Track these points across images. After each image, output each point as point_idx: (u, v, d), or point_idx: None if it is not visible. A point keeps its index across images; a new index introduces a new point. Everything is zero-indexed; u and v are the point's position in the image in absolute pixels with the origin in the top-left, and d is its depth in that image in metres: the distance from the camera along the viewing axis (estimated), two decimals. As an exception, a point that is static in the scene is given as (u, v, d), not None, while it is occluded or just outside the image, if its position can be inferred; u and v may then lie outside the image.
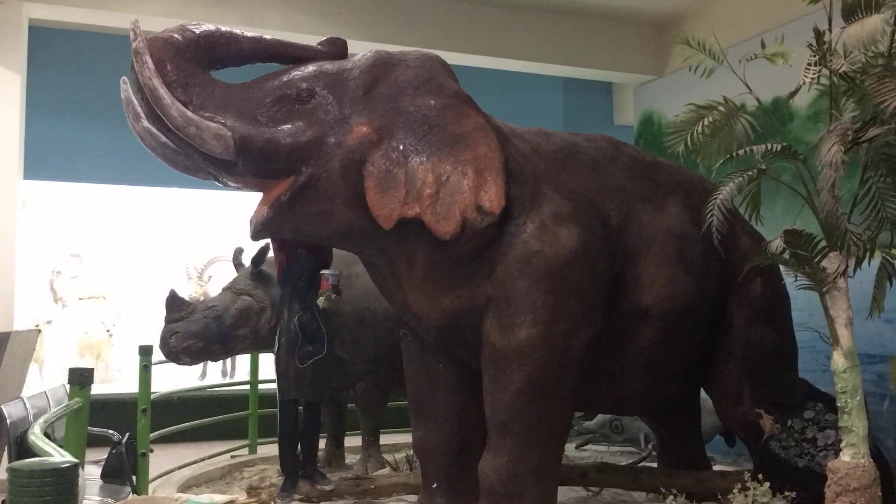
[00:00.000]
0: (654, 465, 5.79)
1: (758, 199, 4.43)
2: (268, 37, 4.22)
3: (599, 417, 7.22)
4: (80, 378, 4.01)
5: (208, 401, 8.00)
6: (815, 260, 3.95)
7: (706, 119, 4.28)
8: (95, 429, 4.66)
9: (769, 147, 4.19)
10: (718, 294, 4.74)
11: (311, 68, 4.12)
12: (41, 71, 8.30)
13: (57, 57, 8.85)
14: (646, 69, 9.08)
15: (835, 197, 3.87)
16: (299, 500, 5.25)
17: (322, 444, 6.68)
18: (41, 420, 3.50)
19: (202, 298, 8.70)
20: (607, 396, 4.77)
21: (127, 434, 5.15)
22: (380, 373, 6.08)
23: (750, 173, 4.24)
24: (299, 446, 5.49)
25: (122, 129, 4.14)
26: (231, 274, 6.12)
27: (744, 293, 4.77)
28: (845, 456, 3.82)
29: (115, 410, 6.93)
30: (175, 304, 5.54)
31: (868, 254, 3.97)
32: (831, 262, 3.93)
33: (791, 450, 4.23)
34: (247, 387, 7.12)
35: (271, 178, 3.99)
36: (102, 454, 5.06)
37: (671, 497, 4.44)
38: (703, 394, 5.35)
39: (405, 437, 6.03)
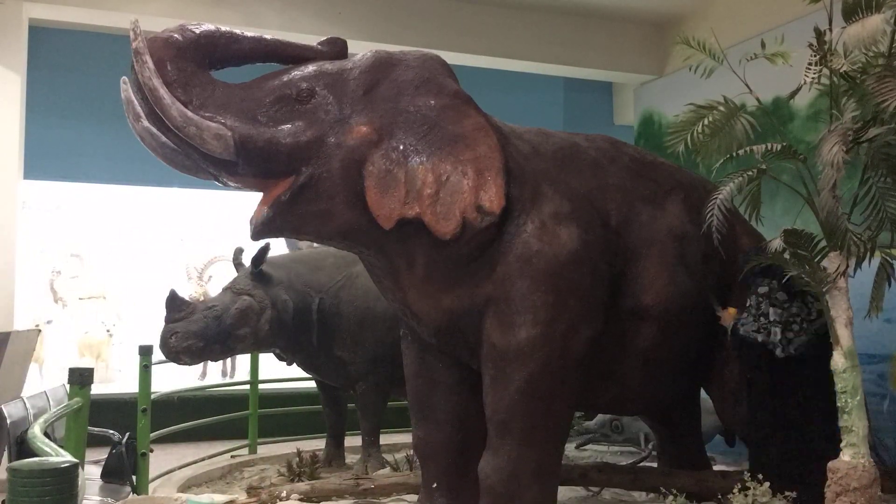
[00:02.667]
0: (654, 465, 5.78)
1: (758, 199, 4.42)
2: (268, 37, 4.20)
3: (599, 417, 7.21)
4: (80, 378, 4.02)
5: (208, 401, 8.00)
6: (815, 260, 3.95)
7: (706, 119, 4.27)
8: (95, 429, 4.67)
9: (769, 147, 4.18)
10: (718, 294, 4.73)
11: (311, 68, 4.11)
12: (41, 71, 8.29)
13: (57, 57, 8.84)
14: (646, 69, 9.08)
15: (835, 197, 3.86)
16: (299, 499, 5.24)
17: (322, 444, 6.71)
18: (41, 420, 3.51)
19: (202, 298, 8.72)
20: (607, 396, 4.77)
21: (127, 434, 5.15)
22: (380, 373, 6.08)
23: (750, 173, 4.23)
24: None
25: (122, 129, 4.13)
26: (231, 274, 6.11)
27: (744, 293, 4.76)
28: (845, 456, 3.82)
29: (115, 410, 6.94)
30: (175, 304, 5.53)
31: (868, 254, 3.96)
32: (831, 262, 3.92)
33: (748, 325, 4.39)
34: (247, 387, 7.13)
35: (271, 177, 3.98)
36: (102, 454, 5.06)
37: (671, 497, 4.43)
38: (703, 394, 5.35)
39: (405, 437, 6.04)
